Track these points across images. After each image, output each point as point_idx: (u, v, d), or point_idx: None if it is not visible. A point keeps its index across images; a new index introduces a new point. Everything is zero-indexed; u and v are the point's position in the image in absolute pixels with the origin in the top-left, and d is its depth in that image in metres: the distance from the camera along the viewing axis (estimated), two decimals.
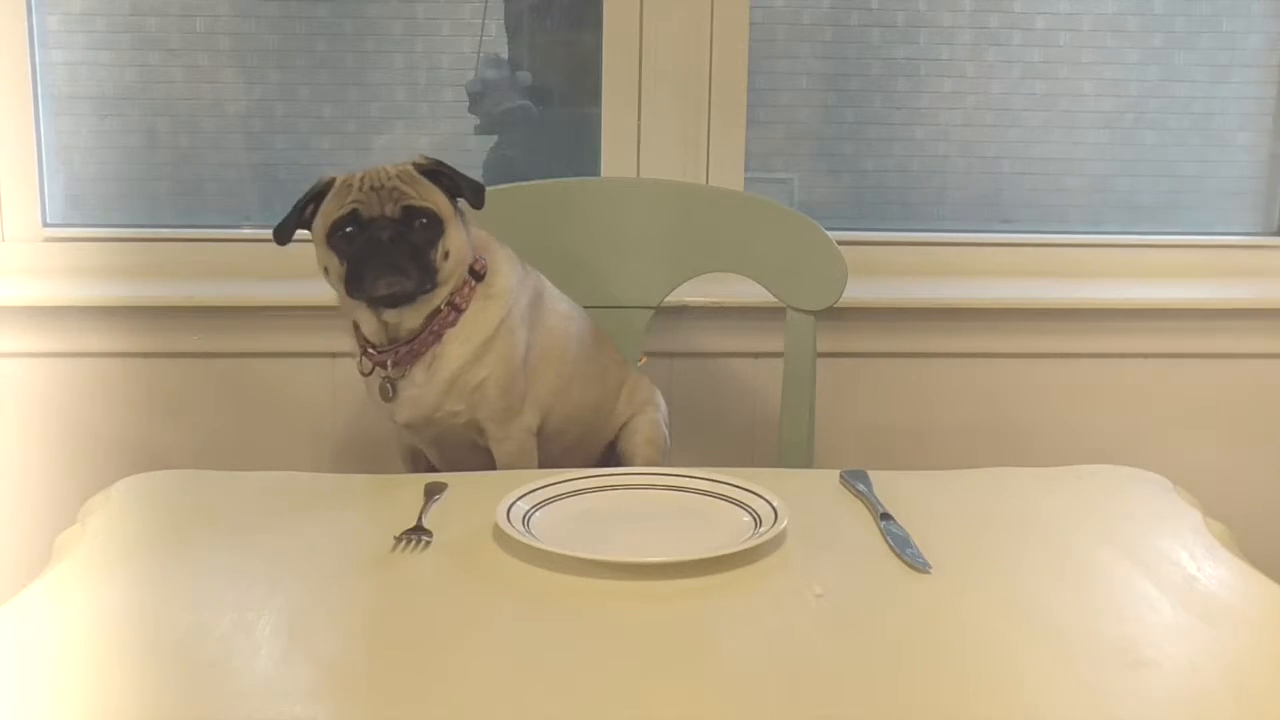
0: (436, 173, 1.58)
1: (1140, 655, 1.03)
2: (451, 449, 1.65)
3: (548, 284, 1.69)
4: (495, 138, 2.30)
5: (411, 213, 1.53)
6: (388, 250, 1.51)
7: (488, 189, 1.59)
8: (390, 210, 1.52)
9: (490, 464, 1.62)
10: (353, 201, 1.53)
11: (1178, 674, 1.01)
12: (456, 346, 1.56)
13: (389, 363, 1.56)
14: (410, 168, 1.57)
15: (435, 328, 1.55)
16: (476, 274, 1.58)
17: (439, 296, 1.55)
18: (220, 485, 1.42)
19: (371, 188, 1.53)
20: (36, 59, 2.15)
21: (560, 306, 1.70)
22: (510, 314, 1.59)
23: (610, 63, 2.17)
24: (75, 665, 1.01)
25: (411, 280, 1.51)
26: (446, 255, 1.54)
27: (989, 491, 1.43)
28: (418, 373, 1.56)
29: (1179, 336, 2.21)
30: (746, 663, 1.04)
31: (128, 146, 2.24)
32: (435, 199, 1.56)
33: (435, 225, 1.54)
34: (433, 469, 1.67)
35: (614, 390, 1.77)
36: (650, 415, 1.78)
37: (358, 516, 1.33)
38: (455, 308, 1.56)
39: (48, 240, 2.19)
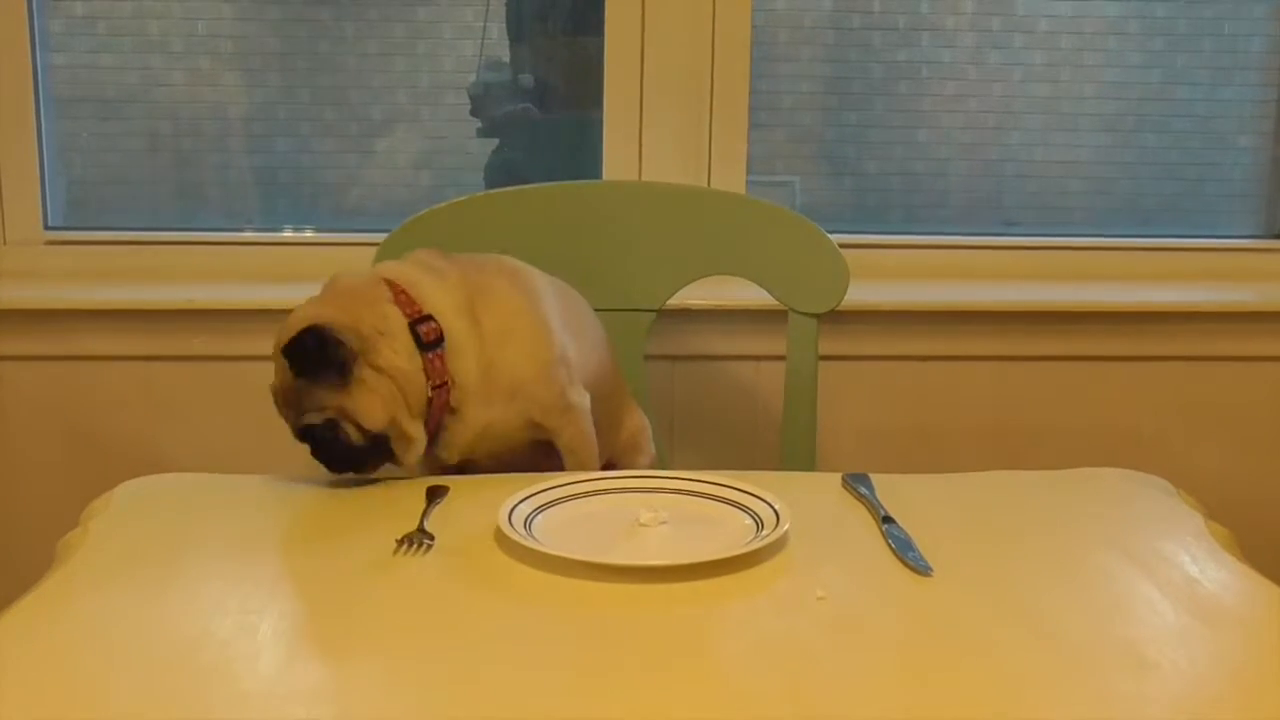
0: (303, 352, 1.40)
1: (1143, 658, 1.03)
2: (510, 457, 1.54)
3: (511, 265, 1.58)
4: (497, 141, 2.30)
5: (310, 428, 1.41)
6: (326, 458, 1.43)
7: (492, 191, 1.52)
8: (296, 423, 1.43)
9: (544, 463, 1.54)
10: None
11: (1180, 677, 1.01)
12: (465, 409, 1.47)
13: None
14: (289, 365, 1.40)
15: (438, 404, 1.45)
16: (429, 343, 1.43)
17: (416, 434, 1.43)
18: (222, 488, 1.42)
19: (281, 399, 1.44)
20: (38, 61, 2.15)
21: (548, 278, 1.61)
22: (479, 329, 1.47)
23: (612, 66, 2.18)
24: (78, 669, 1.01)
25: (374, 467, 1.43)
26: (348, 419, 1.40)
27: (991, 495, 1.43)
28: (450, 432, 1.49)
29: (1180, 339, 2.21)
30: (748, 666, 1.04)
31: (129, 149, 2.24)
32: (316, 398, 1.40)
33: (331, 424, 1.40)
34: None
35: (616, 384, 1.70)
36: (640, 462, 1.70)
37: (360, 520, 1.33)
38: (439, 388, 1.44)
39: (49, 243, 2.19)
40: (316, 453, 1.43)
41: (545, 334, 1.51)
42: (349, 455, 1.42)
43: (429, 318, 1.44)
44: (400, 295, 1.44)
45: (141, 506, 1.36)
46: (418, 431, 1.43)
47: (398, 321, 1.42)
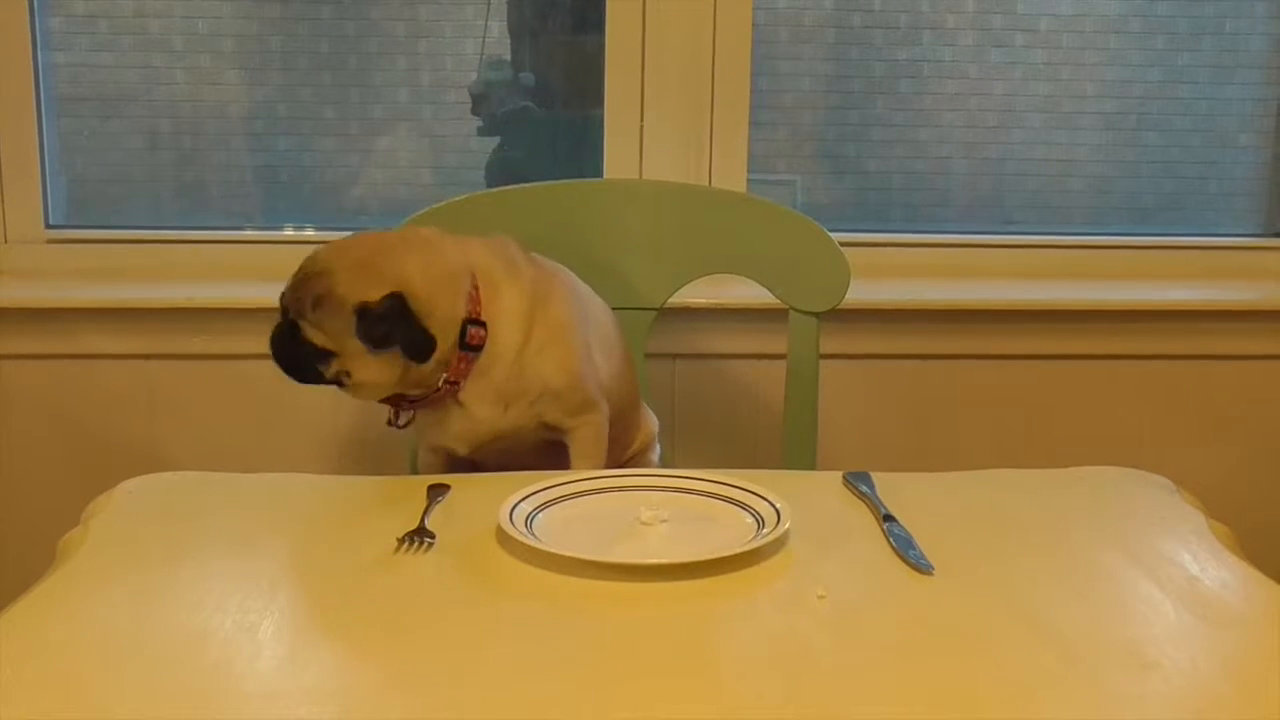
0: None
1: (1144, 657, 1.03)
2: (518, 455, 1.56)
3: (572, 278, 1.62)
4: (498, 139, 2.30)
5: (295, 329, 1.45)
6: (276, 346, 1.48)
7: (493, 190, 1.54)
8: (291, 312, 1.46)
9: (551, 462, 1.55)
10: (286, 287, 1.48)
11: (1181, 676, 1.01)
12: (476, 407, 1.50)
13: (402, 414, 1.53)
14: (356, 305, 1.41)
15: (439, 394, 1.49)
16: (470, 346, 1.46)
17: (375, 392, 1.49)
18: (224, 487, 1.42)
19: (295, 281, 1.47)
20: (39, 60, 2.15)
21: (595, 297, 1.66)
22: (529, 337, 1.49)
23: (613, 64, 2.17)
24: (79, 667, 1.01)
25: (301, 380, 1.48)
26: (347, 376, 1.45)
27: (992, 493, 1.43)
28: (450, 418, 1.51)
29: (1181, 338, 2.21)
30: (748, 665, 1.04)
31: (130, 148, 2.24)
32: (333, 336, 1.43)
33: (321, 355, 1.44)
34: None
35: (634, 401, 1.72)
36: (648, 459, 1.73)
37: (361, 518, 1.33)
38: (450, 382, 1.48)
39: (50, 242, 2.19)
40: (281, 352, 1.47)
41: (582, 348, 1.54)
42: (317, 378, 1.46)
43: (482, 323, 1.47)
44: (475, 292, 1.48)
45: (142, 505, 1.36)
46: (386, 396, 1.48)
47: (457, 319, 1.45)
